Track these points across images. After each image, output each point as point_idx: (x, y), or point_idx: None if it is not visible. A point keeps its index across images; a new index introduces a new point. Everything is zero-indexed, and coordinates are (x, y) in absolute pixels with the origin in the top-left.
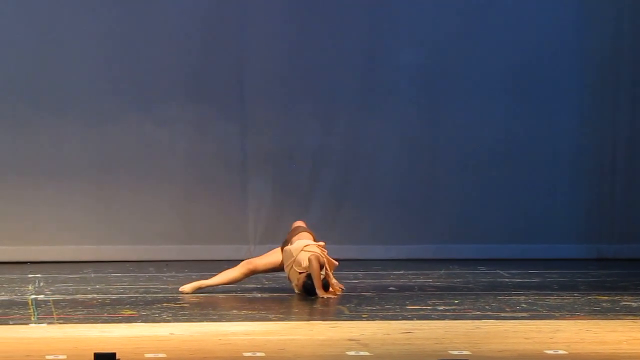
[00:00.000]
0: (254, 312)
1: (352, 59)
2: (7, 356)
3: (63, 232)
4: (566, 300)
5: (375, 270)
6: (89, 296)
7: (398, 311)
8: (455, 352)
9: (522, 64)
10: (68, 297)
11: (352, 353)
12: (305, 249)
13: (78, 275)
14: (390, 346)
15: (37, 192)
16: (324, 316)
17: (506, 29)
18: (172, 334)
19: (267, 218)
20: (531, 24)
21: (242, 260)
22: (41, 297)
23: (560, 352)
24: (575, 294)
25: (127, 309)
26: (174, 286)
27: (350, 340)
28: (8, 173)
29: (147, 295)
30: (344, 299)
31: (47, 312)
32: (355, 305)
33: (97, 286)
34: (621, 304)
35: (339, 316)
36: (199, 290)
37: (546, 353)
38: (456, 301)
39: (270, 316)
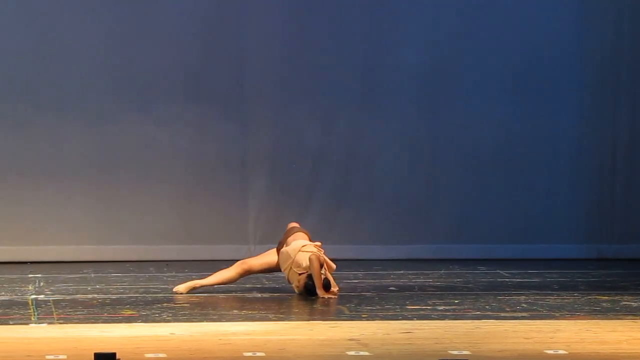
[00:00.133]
0: (254, 312)
1: (352, 58)
2: (7, 356)
3: (63, 232)
4: (566, 300)
5: (375, 270)
6: (89, 296)
7: (398, 311)
8: (455, 352)
9: (522, 64)
10: (68, 297)
11: (352, 353)
12: (302, 249)
13: (78, 275)
14: (390, 346)
15: (37, 192)
16: (324, 316)
17: (506, 29)
18: (172, 333)
19: (267, 218)
20: (531, 24)
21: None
22: (41, 297)
23: (560, 352)
24: (575, 294)
25: (127, 309)
26: (174, 286)
27: (350, 340)
28: (8, 173)
29: (147, 295)
30: (344, 299)
31: (47, 312)
32: (355, 305)
33: (97, 286)
34: (621, 303)
35: (339, 316)
36: (193, 290)
37: (546, 353)
38: (456, 301)
39: (270, 316)
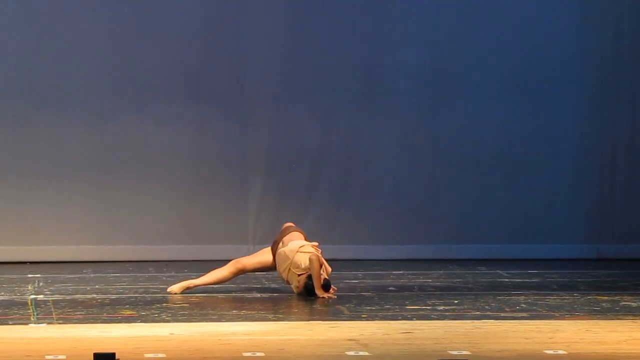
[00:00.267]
0: (254, 312)
1: (352, 58)
2: (7, 356)
3: (63, 232)
4: (566, 300)
5: (375, 270)
6: (89, 296)
7: (398, 311)
8: (455, 352)
9: (522, 64)
10: (68, 297)
11: (352, 353)
12: (301, 250)
13: (78, 275)
14: (390, 346)
15: (36, 192)
16: (324, 316)
17: (506, 29)
18: (171, 334)
19: (266, 218)
20: (531, 24)
21: None
22: (41, 297)
23: (560, 352)
24: (575, 294)
25: (126, 309)
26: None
27: (349, 340)
28: (8, 173)
29: (147, 295)
30: (343, 299)
31: (46, 312)
32: (355, 305)
33: (97, 286)
34: (621, 304)
35: (338, 316)
36: (187, 290)
37: (546, 353)
38: (456, 301)
39: (270, 316)
